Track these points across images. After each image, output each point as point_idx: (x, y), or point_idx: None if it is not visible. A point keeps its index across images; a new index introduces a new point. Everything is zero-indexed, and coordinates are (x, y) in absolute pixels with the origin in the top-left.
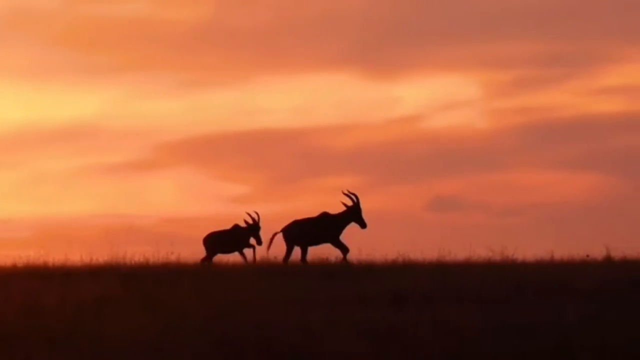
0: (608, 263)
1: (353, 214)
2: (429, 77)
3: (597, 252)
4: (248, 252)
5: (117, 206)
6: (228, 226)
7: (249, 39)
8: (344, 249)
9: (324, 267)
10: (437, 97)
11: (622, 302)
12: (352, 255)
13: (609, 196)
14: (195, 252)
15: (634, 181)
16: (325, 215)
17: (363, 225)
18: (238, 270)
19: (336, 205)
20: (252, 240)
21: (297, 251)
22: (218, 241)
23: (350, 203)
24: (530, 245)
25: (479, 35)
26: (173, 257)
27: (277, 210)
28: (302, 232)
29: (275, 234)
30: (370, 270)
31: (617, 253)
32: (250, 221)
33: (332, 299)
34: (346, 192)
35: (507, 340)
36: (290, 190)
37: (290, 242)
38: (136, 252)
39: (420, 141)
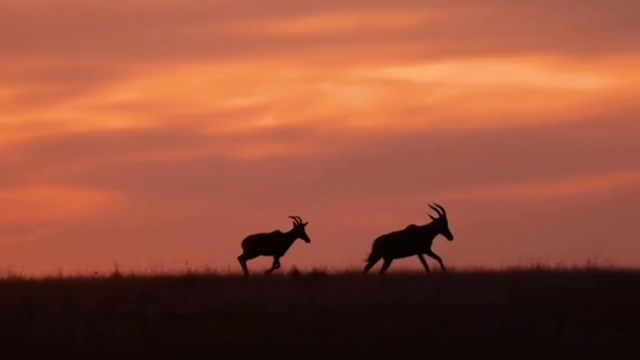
0: (116, 279)
1: (440, 226)
2: None
3: (105, 268)
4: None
5: None
6: (268, 230)
7: None
8: (438, 259)
9: None
10: None
11: (129, 318)
12: None
13: (116, 212)
14: None
15: (141, 197)
16: (412, 228)
17: (450, 237)
18: None
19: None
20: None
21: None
22: (258, 243)
23: (437, 215)
24: (39, 263)
25: None
26: None
27: None
28: (390, 245)
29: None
30: None
31: (125, 269)
32: (296, 223)
33: None
34: (432, 204)
35: (15, 356)
36: None
37: (377, 254)
38: None
39: None
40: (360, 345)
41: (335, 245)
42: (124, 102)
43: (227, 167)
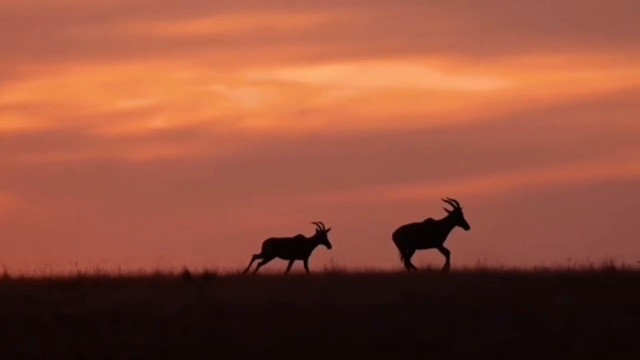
0: (4, 280)
1: (456, 219)
2: None
3: None
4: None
5: None
6: (291, 235)
7: None
8: (447, 253)
9: None
10: None
11: (18, 319)
12: None
13: (6, 213)
14: None
15: (30, 198)
16: (430, 222)
17: (467, 227)
18: None
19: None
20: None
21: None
22: (279, 246)
23: (451, 209)
24: None
25: None
26: None
27: None
28: (408, 235)
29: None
30: None
31: (14, 271)
32: (319, 229)
33: None
34: (446, 199)
35: None
36: None
37: (400, 247)
38: None
39: None
40: (254, 346)
41: (227, 246)
42: (14, 103)
43: (118, 168)
